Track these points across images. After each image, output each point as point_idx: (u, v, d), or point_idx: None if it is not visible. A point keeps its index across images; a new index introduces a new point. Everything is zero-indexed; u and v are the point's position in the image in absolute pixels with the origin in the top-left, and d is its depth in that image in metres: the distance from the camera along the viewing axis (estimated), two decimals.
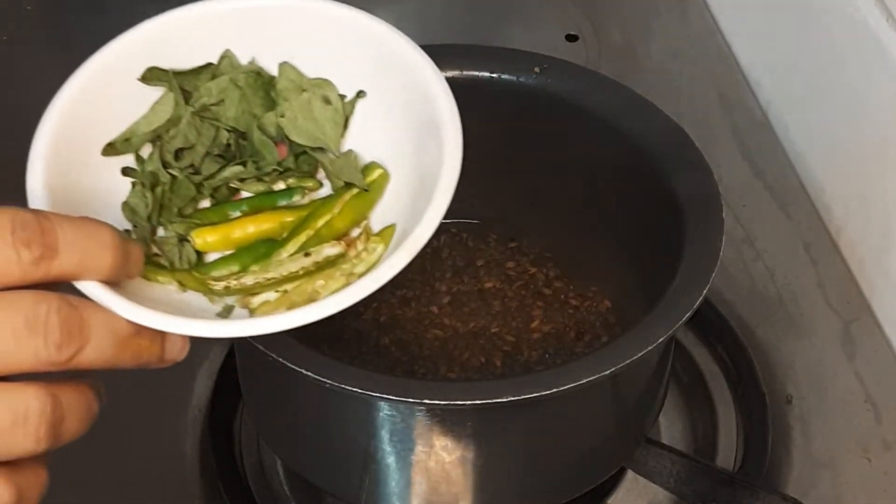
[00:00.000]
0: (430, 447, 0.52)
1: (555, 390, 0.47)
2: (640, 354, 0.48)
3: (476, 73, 0.62)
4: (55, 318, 0.32)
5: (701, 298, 0.50)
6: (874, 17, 0.70)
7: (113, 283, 0.35)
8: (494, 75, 0.62)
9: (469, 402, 0.47)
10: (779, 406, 0.67)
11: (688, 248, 0.53)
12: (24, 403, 0.32)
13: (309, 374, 0.47)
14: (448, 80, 0.63)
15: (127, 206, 0.43)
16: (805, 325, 0.71)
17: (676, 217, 0.55)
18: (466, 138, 0.66)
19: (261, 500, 0.63)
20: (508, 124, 0.64)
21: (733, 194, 0.78)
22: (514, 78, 0.62)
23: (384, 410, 0.51)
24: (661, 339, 0.49)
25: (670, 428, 0.67)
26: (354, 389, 0.47)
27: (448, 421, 0.52)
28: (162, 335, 0.36)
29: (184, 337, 0.37)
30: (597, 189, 0.63)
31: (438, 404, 0.48)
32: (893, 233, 0.71)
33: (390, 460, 0.53)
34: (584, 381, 0.47)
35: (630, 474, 0.63)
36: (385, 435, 0.52)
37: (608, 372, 0.48)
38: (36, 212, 0.33)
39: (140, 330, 0.35)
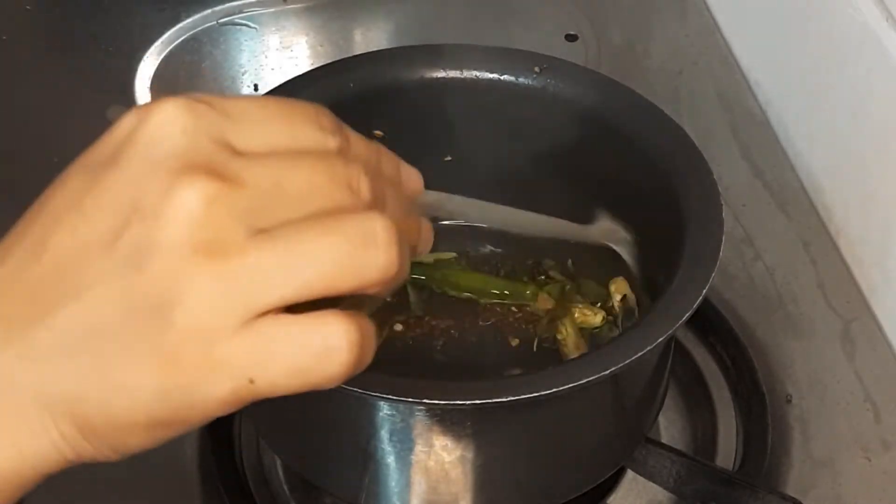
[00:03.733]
0: (429, 447, 0.52)
1: (555, 390, 0.47)
2: (639, 354, 0.48)
3: (476, 73, 0.63)
4: (365, 180, 0.34)
5: (701, 298, 0.50)
6: (874, 17, 0.70)
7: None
8: (494, 75, 0.62)
9: (469, 402, 0.47)
10: (778, 406, 0.67)
11: (688, 248, 0.53)
12: (370, 223, 0.33)
13: None
14: (448, 80, 0.63)
15: None
16: (805, 324, 0.71)
17: (676, 217, 0.55)
18: (466, 138, 0.66)
19: (260, 500, 0.63)
20: (508, 124, 0.64)
21: (733, 194, 0.78)
22: (514, 78, 0.62)
23: (384, 410, 0.51)
24: (660, 339, 0.49)
25: (670, 428, 0.67)
26: (354, 389, 0.47)
27: (448, 421, 0.52)
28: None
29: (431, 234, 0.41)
30: (596, 189, 0.63)
31: (438, 404, 0.48)
32: (893, 233, 0.71)
33: (390, 460, 0.53)
34: (584, 381, 0.47)
35: (630, 474, 0.63)
36: (385, 435, 0.52)
37: (608, 372, 0.48)
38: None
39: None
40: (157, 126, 0.33)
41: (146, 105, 0.34)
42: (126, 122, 0.33)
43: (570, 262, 0.66)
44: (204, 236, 0.31)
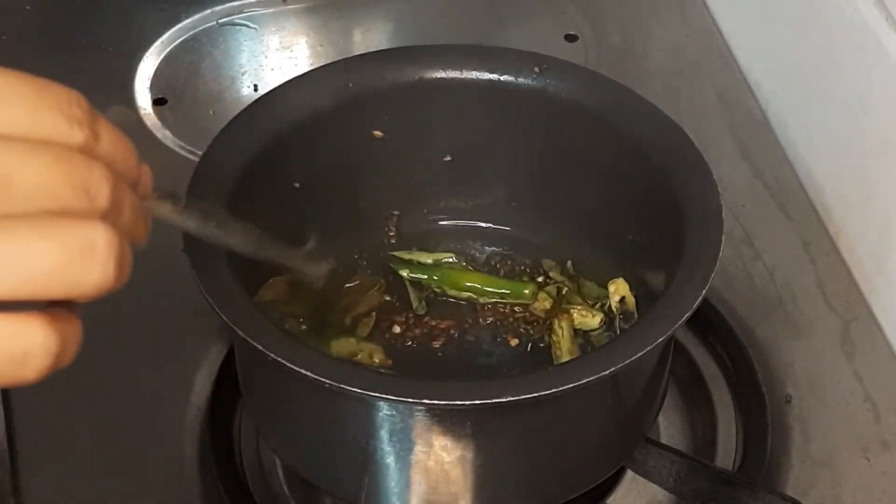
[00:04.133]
0: (429, 447, 0.52)
1: (554, 390, 0.47)
2: (639, 354, 0.48)
3: (476, 73, 0.62)
4: (105, 185, 0.33)
5: (701, 298, 0.50)
6: (874, 17, 0.70)
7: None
8: (494, 75, 0.62)
9: (469, 402, 0.47)
10: (778, 406, 0.67)
11: (687, 248, 0.53)
12: (93, 234, 0.32)
13: (309, 374, 0.47)
14: (448, 80, 0.63)
15: None
16: (804, 324, 0.71)
17: (676, 217, 0.55)
18: (466, 138, 0.66)
19: (260, 500, 0.63)
20: (508, 124, 0.64)
21: (733, 194, 0.78)
22: (513, 78, 0.62)
23: (384, 410, 0.51)
24: (660, 340, 0.49)
25: (669, 428, 0.67)
26: (354, 389, 0.47)
27: (448, 421, 0.52)
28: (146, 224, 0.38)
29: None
30: (596, 189, 0.63)
31: (438, 404, 0.48)
32: (893, 233, 0.71)
33: (390, 460, 0.53)
34: (584, 381, 0.47)
35: (629, 474, 0.63)
36: (385, 435, 0.52)
37: (608, 372, 0.48)
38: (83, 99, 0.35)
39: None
40: None
41: None
42: None
43: (569, 262, 0.66)
44: None
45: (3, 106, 0.33)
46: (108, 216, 0.33)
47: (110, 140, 0.35)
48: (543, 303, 0.65)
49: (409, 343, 0.63)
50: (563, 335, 0.62)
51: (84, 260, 0.32)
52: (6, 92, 0.33)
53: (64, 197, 0.32)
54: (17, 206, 0.32)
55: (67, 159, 0.33)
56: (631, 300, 0.62)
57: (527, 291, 0.65)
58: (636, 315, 0.62)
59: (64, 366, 0.33)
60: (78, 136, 0.34)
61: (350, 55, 0.66)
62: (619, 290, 0.62)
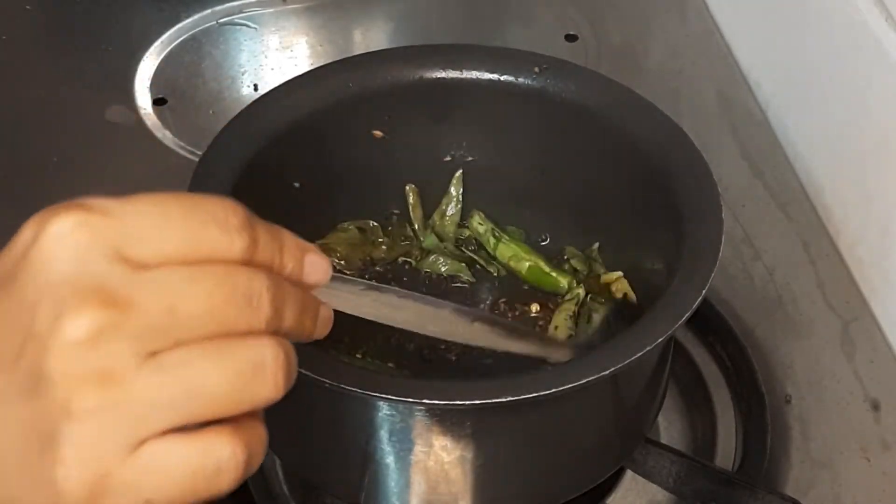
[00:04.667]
0: (429, 447, 0.52)
1: (554, 390, 0.47)
2: (639, 354, 0.48)
3: (476, 73, 0.62)
4: (266, 295, 0.34)
5: (700, 298, 0.50)
6: (874, 17, 0.70)
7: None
8: (494, 75, 0.62)
9: (469, 402, 0.47)
10: (778, 406, 0.67)
11: (687, 248, 0.53)
12: (261, 351, 0.34)
13: (309, 374, 0.47)
14: (448, 80, 0.63)
15: None
16: (804, 325, 0.71)
17: (676, 217, 0.55)
18: (466, 138, 0.66)
19: (260, 500, 0.63)
20: (508, 124, 0.64)
21: (733, 194, 0.78)
22: (513, 78, 0.62)
23: (384, 410, 0.51)
24: (660, 340, 0.49)
25: (669, 428, 0.67)
26: (354, 389, 0.47)
27: (448, 421, 0.52)
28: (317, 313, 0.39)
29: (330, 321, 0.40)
30: (596, 189, 0.63)
31: (438, 404, 0.48)
32: (893, 233, 0.71)
33: (390, 460, 0.53)
34: (584, 381, 0.47)
35: (629, 474, 0.63)
36: (385, 435, 0.52)
37: (608, 372, 0.48)
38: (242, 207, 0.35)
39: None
40: (49, 243, 0.32)
41: (44, 214, 0.33)
42: (24, 236, 0.33)
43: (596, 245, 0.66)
44: (92, 365, 0.32)
45: (162, 232, 0.33)
46: (272, 323, 0.34)
47: (267, 241, 0.35)
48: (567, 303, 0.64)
49: (410, 346, 0.63)
50: (562, 327, 0.63)
51: (256, 378, 0.34)
52: (163, 219, 0.33)
53: (228, 318, 0.33)
54: (189, 332, 0.33)
55: (229, 281, 0.33)
56: (633, 297, 0.62)
57: (563, 283, 0.65)
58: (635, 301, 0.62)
59: (253, 471, 0.35)
60: (237, 246, 0.34)
61: (350, 55, 0.66)
62: (620, 287, 0.62)
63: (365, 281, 0.46)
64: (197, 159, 0.56)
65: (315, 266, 0.38)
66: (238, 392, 0.33)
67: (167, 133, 0.82)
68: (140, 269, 0.32)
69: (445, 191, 0.67)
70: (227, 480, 0.34)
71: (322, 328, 0.39)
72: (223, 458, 0.33)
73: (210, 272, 0.33)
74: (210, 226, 0.34)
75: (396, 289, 0.52)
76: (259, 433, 0.35)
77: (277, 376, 0.34)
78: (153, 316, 0.32)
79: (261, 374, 0.34)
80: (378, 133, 0.64)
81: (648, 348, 0.49)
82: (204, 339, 0.33)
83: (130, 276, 0.32)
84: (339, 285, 0.46)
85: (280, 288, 0.35)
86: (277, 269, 0.36)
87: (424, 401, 0.48)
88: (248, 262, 0.34)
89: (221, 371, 0.33)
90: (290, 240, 0.37)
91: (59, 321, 0.31)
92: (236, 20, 0.91)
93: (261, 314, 0.34)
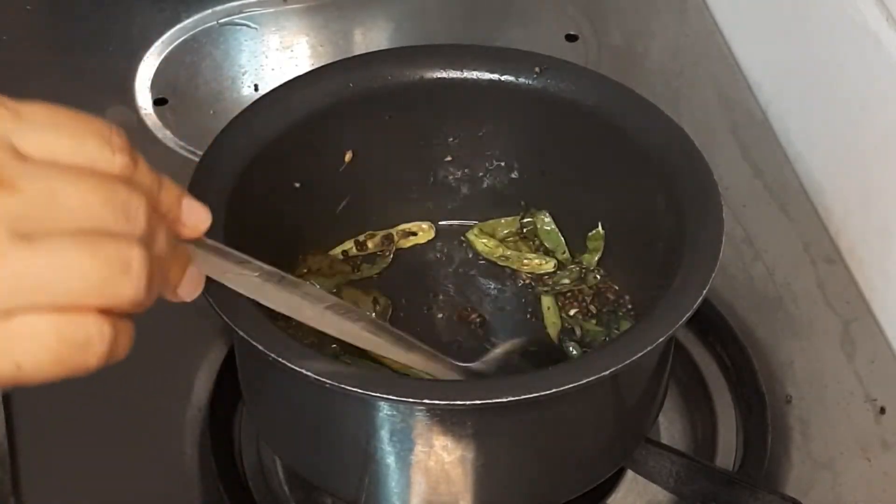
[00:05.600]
0: (429, 447, 0.52)
1: (555, 390, 0.47)
2: (639, 354, 0.48)
3: (476, 73, 0.62)
4: (143, 211, 0.37)
5: (701, 298, 0.50)
6: (874, 17, 0.70)
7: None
8: (494, 75, 0.62)
9: (469, 402, 0.47)
10: (778, 406, 0.67)
11: (688, 248, 0.53)
12: (129, 253, 0.36)
13: (309, 374, 0.47)
14: (448, 80, 0.63)
15: None
16: (805, 325, 0.72)
17: (676, 217, 0.55)
18: (466, 139, 0.66)
19: (260, 500, 0.63)
20: (508, 124, 0.64)
21: (733, 194, 0.78)
22: (513, 78, 0.62)
23: (384, 410, 0.51)
24: (660, 340, 0.49)
25: (670, 428, 0.67)
26: (354, 389, 0.47)
27: (448, 421, 0.52)
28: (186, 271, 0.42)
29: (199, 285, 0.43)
30: (596, 189, 0.63)
31: (438, 404, 0.48)
32: (893, 233, 0.71)
33: (390, 460, 0.53)
34: (584, 381, 0.47)
35: (630, 474, 0.63)
36: (385, 435, 0.52)
37: (608, 372, 0.48)
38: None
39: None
40: None
41: None
42: None
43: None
44: None
45: (51, 132, 0.36)
46: (143, 241, 0.36)
47: (146, 173, 0.38)
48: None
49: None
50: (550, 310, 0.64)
51: (121, 275, 0.35)
52: (52, 121, 0.36)
53: (104, 218, 0.35)
54: (63, 223, 0.35)
55: (109, 184, 0.36)
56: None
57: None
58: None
59: (119, 358, 0.37)
60: (119, 162, 0.37)
61: (350, 55, 0.66)
62: (596, 245, 0.64)
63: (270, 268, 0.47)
64: (197, 159, 0.56)
65: (192, 209, 0.41)
66: (104, 282, 0.35)
67: (168, 133, 0.82)
68: (27, 160, 0.35)
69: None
70: (94, 354, 0.36)
71: (188, 285, 0.42)
72: (91, 331, 0.35)
73: (92, 175, 0.36)
74: (95, 137, 0.37)
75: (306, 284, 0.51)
76: (127, 325, 0.37)
77: (141, 280, 0.36)
78: (33, 201, 0.34)
79: (127, 272, 0.35)
80: (378, 133, 0.64)
81: (649, 348, 0.49)
82: (78, 232, 0.35)
83: (17, 162, 0.34)
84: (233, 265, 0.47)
85: (156, 214, 0.37)
86: (155, 202, 0.38)
87: (425, 401, 0.48)
88: (128, 182, 0.37)
89: (91, 260, 0.35)
90: (169, 182, 0.40)
91: None
92: (237, 20, 0.91)
93: (135, 225, 0.36)
